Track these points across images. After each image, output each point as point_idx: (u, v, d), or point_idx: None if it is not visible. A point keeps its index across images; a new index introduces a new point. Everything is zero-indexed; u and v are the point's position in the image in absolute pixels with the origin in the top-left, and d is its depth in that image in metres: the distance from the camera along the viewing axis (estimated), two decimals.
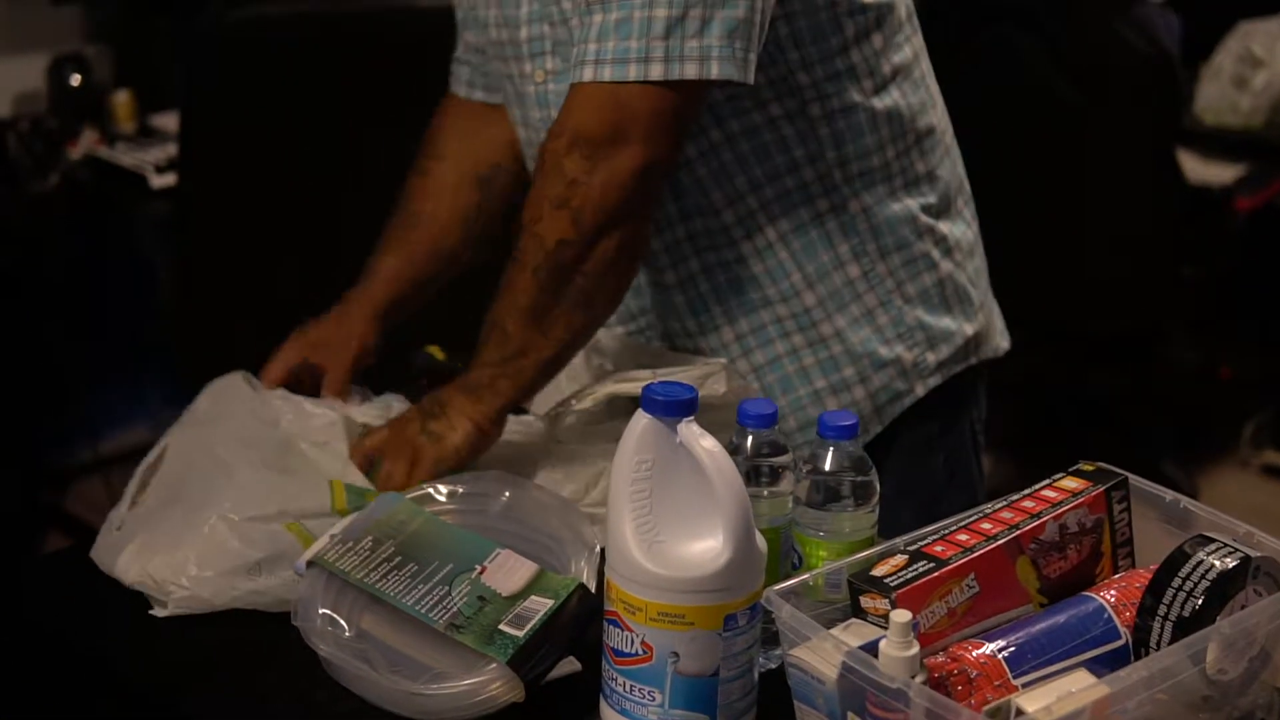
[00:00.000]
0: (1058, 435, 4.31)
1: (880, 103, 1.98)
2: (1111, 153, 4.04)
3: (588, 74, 1.79)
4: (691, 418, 1.49)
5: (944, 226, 2.07)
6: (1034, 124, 3.99)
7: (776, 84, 1.92)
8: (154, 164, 3.73)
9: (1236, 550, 1.46)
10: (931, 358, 2.06)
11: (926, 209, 2.05)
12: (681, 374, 1.85)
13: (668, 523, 1.49)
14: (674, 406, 1.49)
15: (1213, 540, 1.48)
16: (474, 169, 2.23)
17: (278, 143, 3.20)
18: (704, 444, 1.48)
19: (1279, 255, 4.58)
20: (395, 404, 2.01)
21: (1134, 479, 1.62)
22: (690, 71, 1.76)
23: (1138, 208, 4.09)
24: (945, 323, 2.07)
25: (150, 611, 1.74)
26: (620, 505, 1.50)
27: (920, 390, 2.06)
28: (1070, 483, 1.61)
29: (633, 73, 1.76)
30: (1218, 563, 1.45)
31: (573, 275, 1.81)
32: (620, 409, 1.94)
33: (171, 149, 3.76)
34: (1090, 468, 1.63)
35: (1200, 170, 4.27)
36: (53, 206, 3.76)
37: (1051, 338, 4.27)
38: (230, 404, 1.97)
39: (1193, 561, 1.46)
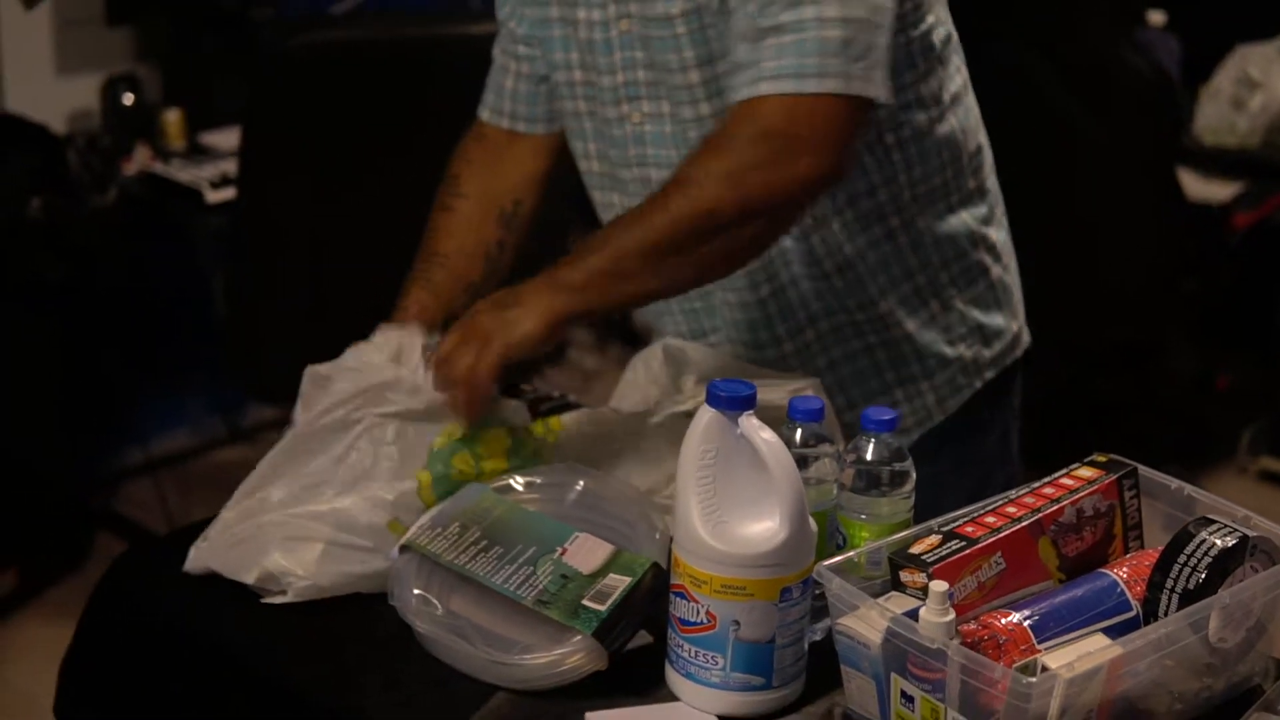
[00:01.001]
0: (1062, 440, 4.41)
1: (942, 128, 2.17)
2: (1114, 169, 4.16)
3: (766, 88, 1.92)
4: (751, 411, 1.68)
5: (992, 233, 2.27)
6: (1040, 141, 4.05)
7: None
8: (209, 179, 3.90)
9: (1236, 530, 1.64)
10: (986, 354, 2.27)
11: (978, 219, 2.24)
12: (775, 388, 1.98)
13: (730, 505, 1.67)
14: (735, 401, 1.68)
15: (1214, 521, 1.66)
16: (497, 205, 2.33)
17: (336, 161, 3.35)
18: (762, 435, 1.67)
19: (1275, 269, 4.71)
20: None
21: (1143, 469, 1.81)
22: (858, 88, 1.92)
23: (1140, 223, 4.20)
24: (997, 321, 2.28)
25: (264, 600, 1.88)
26: (687, 490, 1.68)
27: (977, 384, 2.26)
28: (1086, 471, 1.79)
29: (812, 86, 1.91)
30: (1219, 541, 1.63)
31: (709, 240, 1.93)
32: None
33: (223, 165, 3.94)
34: (1103, 459, 1.81)
35: (1199, 188, 4.38)
36: (111, 220, 3.93)
37: (1055, 347, 4.38)
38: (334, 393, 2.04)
39: (1196, 540, 1.64)
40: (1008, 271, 2.31)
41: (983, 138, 2.27)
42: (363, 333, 2.12)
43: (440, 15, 4.59)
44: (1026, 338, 2.37)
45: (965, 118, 2.22)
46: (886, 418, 1.79)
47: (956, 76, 2.21)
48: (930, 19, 2.11)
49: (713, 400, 1.68)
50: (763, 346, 2.24)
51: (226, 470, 3.73)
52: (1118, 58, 4.06)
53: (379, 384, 2.00)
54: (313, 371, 2.05)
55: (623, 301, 2.03)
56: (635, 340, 5.36)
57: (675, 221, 1.92)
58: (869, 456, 1.78)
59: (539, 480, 1.97)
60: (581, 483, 1.96)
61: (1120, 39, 4.12)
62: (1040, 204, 4.21)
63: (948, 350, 2.24)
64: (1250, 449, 4.72)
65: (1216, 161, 4.53)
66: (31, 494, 4.05)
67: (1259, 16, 4.69)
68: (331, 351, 2.09)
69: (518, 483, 1.96)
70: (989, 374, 2.28)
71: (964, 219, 2.23)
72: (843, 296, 2.20)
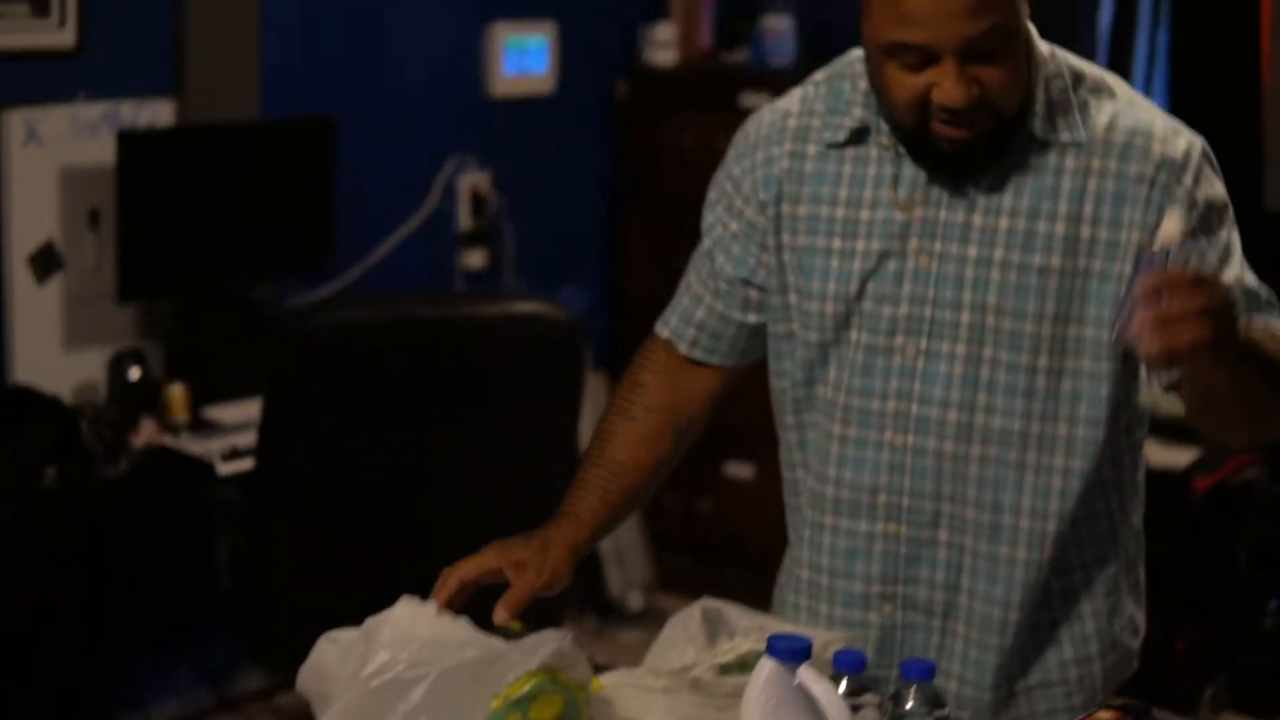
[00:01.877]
0: None
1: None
2: None
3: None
4: (809, 662, 1.84)
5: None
6: None
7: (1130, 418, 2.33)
8: (219, 452, 4.06)
9: None
10: (1136, 644, 2.42)
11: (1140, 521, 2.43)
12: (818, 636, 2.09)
13: None
14: (794, 653, 1.84)
15: None
16: (674, 420, 2.44)
17: (352, 437, 3.49)
18: (820, 686, 1.82)
19: (1233, 531, 4.90)
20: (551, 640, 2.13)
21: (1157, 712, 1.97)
22: None
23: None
24: (1140, 613, 2.44)
25: None
26: None
27: (1129, 672, 2.40)
28: (1104, 715, 1.96)
29: None
30: None
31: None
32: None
33: (231, 439, 4.11)
34: (1119, 702, 1.98)
35: (1160, 454, 4.57)
36: (123, 490, 4.07)
37: None
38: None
39: None
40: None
41: None
42: (367, 604, 2.15)
43: (450, 296, 4.84)
44: None
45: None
46: (926, 666, 1.94)
47: None
48: None
49: (773, 652, 1.84)
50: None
51: None
52: None
53: (432, 639, 2.09)
54: (335, 636, 2.12)
55: (1220, 390, 2.09)
56: (610, 611, 5.52)
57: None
58: (909, 704, 1.93)
59: None
60: None
61: None
62: None
63: (1122, 636, 2.38)
64: (1212, 705, 4.83)
65: (1173, 429, 4.70)
66: None
67: None
68: (336, 620, 2.13)
69: None
70: (1135, 664, 2.42)
71: (1141, 513, 2.42)
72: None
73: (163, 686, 4.68)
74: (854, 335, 2.29)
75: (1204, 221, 2.21)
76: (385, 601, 2.18)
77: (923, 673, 1.94)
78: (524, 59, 5.62)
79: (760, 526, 5.51)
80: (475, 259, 5.55)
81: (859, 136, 2.30)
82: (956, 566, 2.29)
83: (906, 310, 2.25)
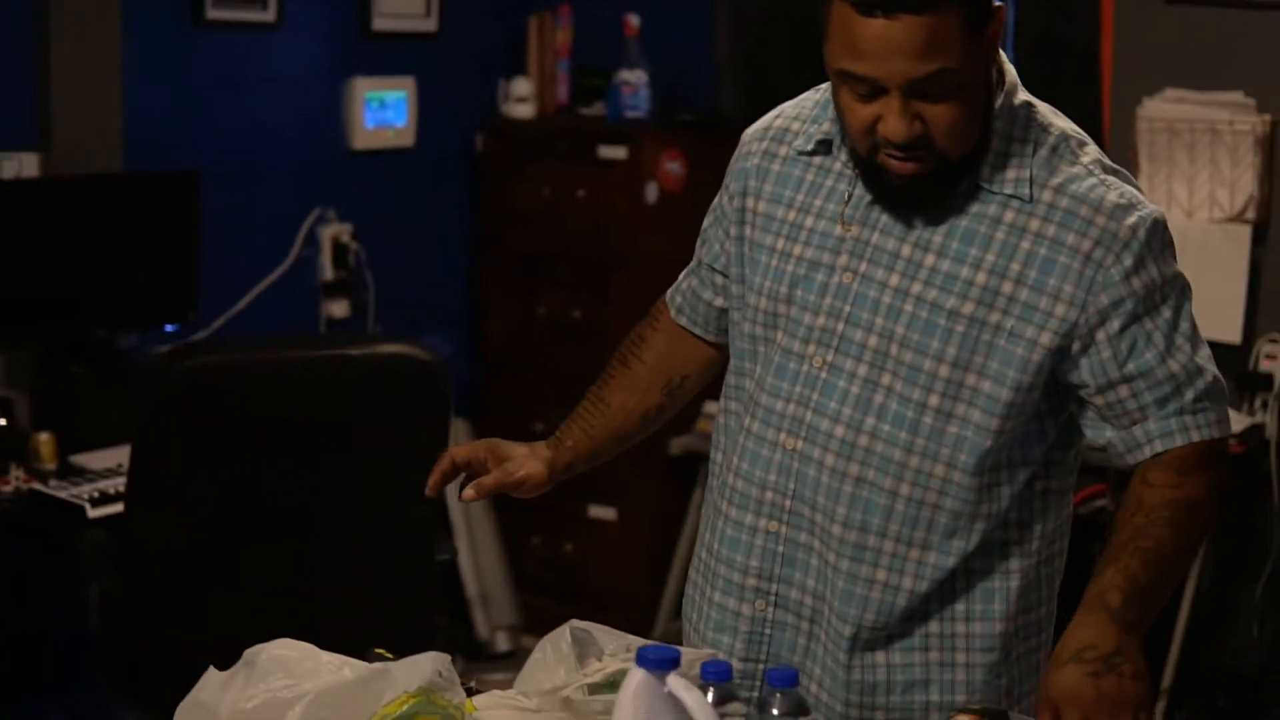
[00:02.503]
0: None
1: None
2: None
3: (1199, 435, 2.28)
4: (678, 670, 1.92)
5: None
6: None
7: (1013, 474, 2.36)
8: (88, 496, 4.08)
9: None
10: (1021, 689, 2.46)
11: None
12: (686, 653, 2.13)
13: None
14: (663, 662, 1.92)
15: None
16: (667, 376, 2.62)
17: (219, 478, 3.52)
18: (688, 694, 1.90)
19: (1082, 557, 5.04)
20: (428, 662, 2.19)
21: (1011, 713, 2.07)
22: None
23: None
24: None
25: None
26: None
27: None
28: (963, 718, 2.05)
29: (1219, 431, 2.30)
30: None
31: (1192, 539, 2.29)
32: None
33: (99, 484, 4.13)
34: (976, 707, 2.08)
35: None
36: None
37: None
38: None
39: None
40: None
41: None
42: (238, 644, 2.20)
43: (317, 338, 4.89)
44: None
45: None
46: (790, 674, 2.03)
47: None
48: None
49: (642, 661, 1.92)
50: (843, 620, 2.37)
51: None
52: None
53: (311, 666, 2.15)
54: (216, 674, 2.17)
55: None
56: (477, 652, 5.57)
57: (1192, 544, 2.31)
58: (774, 711, 2.02)
59: None
60: None
61: None
62: None
63: (991, 682, 2.41)
64: None
65: None
66: None
67: None
68: (206, 661, 2.18)
69: None
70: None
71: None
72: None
73: None
74: (778, 336, 2.38)
75: (1146, 302, 2.24)
76: (257, 641, 2.21)
77: (786, 680, 2.02)
78: (384, 113, 5.69)
79: (624, 568, 5.61)
80: (338, 309, 5.61)
81: (825, 148, 2.39)
82: (822, 577, 2.36)
83: (823, 322, 2.32)
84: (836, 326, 2.32)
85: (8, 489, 4.17)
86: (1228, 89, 5.14)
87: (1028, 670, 2.42)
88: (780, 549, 2.38)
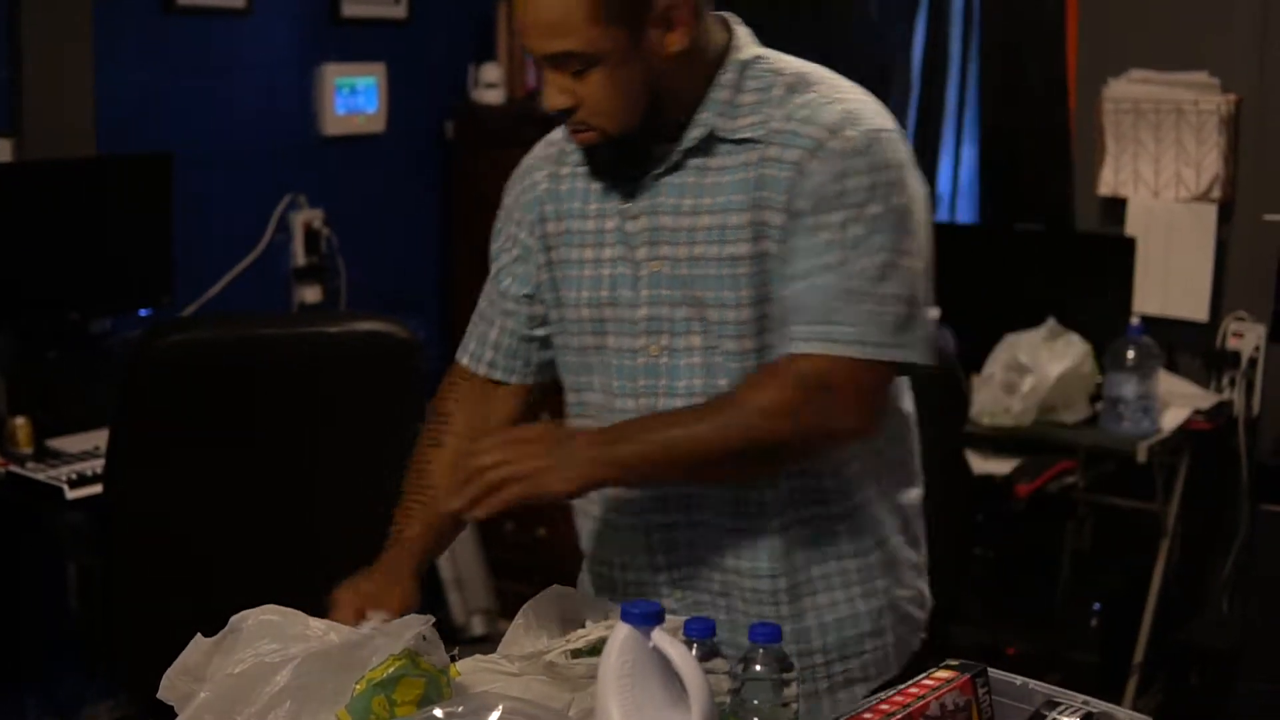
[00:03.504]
0: None
1: (903, 406, 2.50)
2: None
3: (839, 350, 2.23)
4: (661, 626, 1.94)
5: (919, 519, 2.59)
6: None
7: None
8: (66, 478, 4.09)
9: (1080, 709, 1.94)
10: (922, 616, 2.55)
11: (917, 496, 2.57)
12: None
13: (648, 710, 1.92)
14: (648, 617, 1.94)
15: (1060, 703, 1.95)
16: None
17: (198, 455, 3.51)
18: (674, 646, 1.93)
19: (1056, 536, 5.09)
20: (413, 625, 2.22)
21: (991, 670, 2.10)
22: (909, 356, 2.27)
23: (934, 499, 4.50)
24: (925, 587, 2.57)
25: None
26: (608, 697, 1.93)
27: (917, 644, 2.54)
28: (942, 673, 2.07)
29: (871, 353, 2.24)
30: (1068, 718, 1.92)
31: (748, 462, 2.26)
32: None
33: (76, 466, 4.14)
34: (956, 663, 2.10)
35: (981, 465, 4.74)
36: None
37: None
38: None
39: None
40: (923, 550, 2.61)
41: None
42: (218, 624, 2.19)
43: (295, 316, 4.90)
44: None
45: (910, 406, 2.55)
46: (773, 630, 2.05)
47: None
48: None
49: (626, 617, 1.94)
50: (757, 574, 2.44)
51: None
52: None
53: (298, 631, 2.18)
54: (204, 641, 2.17)
55: (651, 484, 2.31)
56: (452, 637, 5.58)
57: (726, 440, 2.22)
58: (759, 666, 2.04)
59: (461, 709, 2.12)
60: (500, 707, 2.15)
61: None
62: None
63: (908, 608, 2.52)
64: None
65: (993, 442, 4.88)
66: None
67: (1022, 309, 5.09)
68: (186, 640, 2.16)
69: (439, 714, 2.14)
70: (922, 635, 2.56)
71: (913, 494, 2.55)
72: (852, 541, 2.45)
73: (10, 718, 4.67)
74: (608, 340, 2.44)
75: (816, 206, 2.28)
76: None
77: (770, 635, 2.05)
78: (355, 99, 5.70)
79: None
80: (310, 294, 5.62)
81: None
82: (718, 546, 2.43)
83: (645, 312, 2.39)
84: (660, 312, 2.38)
85: None
86: (1192, 69, 5.18)
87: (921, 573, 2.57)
88: (676, 535, 2.45)
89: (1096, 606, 5.04)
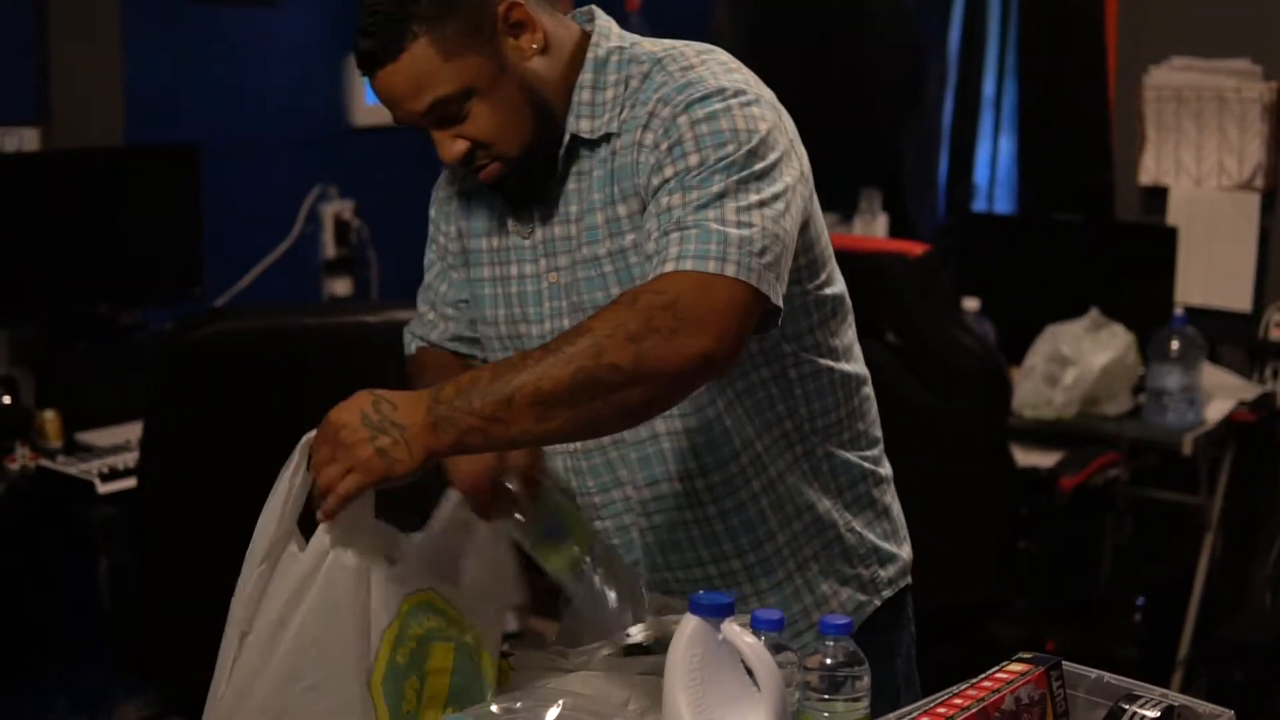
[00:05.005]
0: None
1: (836, 373, 2.42)
2: (952, 441, 4.40)
3: (670, 266, 2.08)
4: (732, 618, 1.88)
5: (882, 470, 2.53)
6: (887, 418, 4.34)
7: (767, 352, 2.35)
8: (97, 472, 4.04)
9: (1160, 701, 1.87)
10: (883, 574, 2.50)
11: (869, 458, 2.50)
12: None
13: (717, 704, 1.87)
14: (717, 609, 1.88)
15: (1140, 696, 1.89)
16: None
17: (233, 447, 3.46)
18: (745, 639, 1.87)
19: (1099, 529, 5.02)
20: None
21: (1065, 663, 2.04)
22: (755, 281, 2.08)
23: (979, 490, 4.45)
24: (889, 546, 2.52)
25: None
26: (676, 691, 1.87)
27: (878, 601, 2.49)
28: (1016, 666, 2.01)
29: (714, 268, 2.06)
30: (1149, 713, 1.86)
31: (600, 396, 2.02)
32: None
33: (108, 460, 4.10)
34: (1029, 655, 2.04)
35: (1023, 458, 4.68)
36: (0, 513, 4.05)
37: None
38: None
39: (1127, 714, 1.86)
40: (894, 504, 2.57)
41: (869, 390, 2.53)
42: None
43: (332, 306, 4.84)
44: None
45: (856, 368, 2.48)
46: (843, 623, 1.99)
47: (849, 331, 2.47)
48: (823, 276, 2.38)
49: (696, 609, 1.88)
50: (688, 566, 2.43)
51: None
52: (951, 338, 4.32)
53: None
54: None
55: (503, 444, 2.09)
56: None
57: (571, 372, 2.00)
58: (828, 660, 1.98)
59: (518, 705, 2.06)
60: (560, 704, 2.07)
61: (950, 321, 4.39)
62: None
63: (848, 570, 2.47)
64: None
65: (1035, 435, 4.83)
66: None
67: (1063, 300, 5.03)
68: (218, 634, 2.12)
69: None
70: (886, 593, 2.51)
71: (855, 455, 2.48)
72: (766, 522, 2.41)
73: (40, 717, 4.63)
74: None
75: (671, 150, 2.19)
76: None
77: (841, 629, 1.99)
78: None
79: None
80: (340, 286, 5.56)
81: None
82: (707, 537, 2.41)
83: (550, 326, 2.37)
84: (562, 324, 2.35)
85: (14, 466, 4.12)
86: (1234, 56, 5.12)
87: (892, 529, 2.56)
88: (615, 540, 2.44)
89: (1139, 601, 5.00)
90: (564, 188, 2.33)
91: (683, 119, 2.19)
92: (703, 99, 2.20)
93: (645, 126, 2.24)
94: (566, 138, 2.30)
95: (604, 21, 2.39)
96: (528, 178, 2.31)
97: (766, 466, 2.40)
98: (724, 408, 2.35)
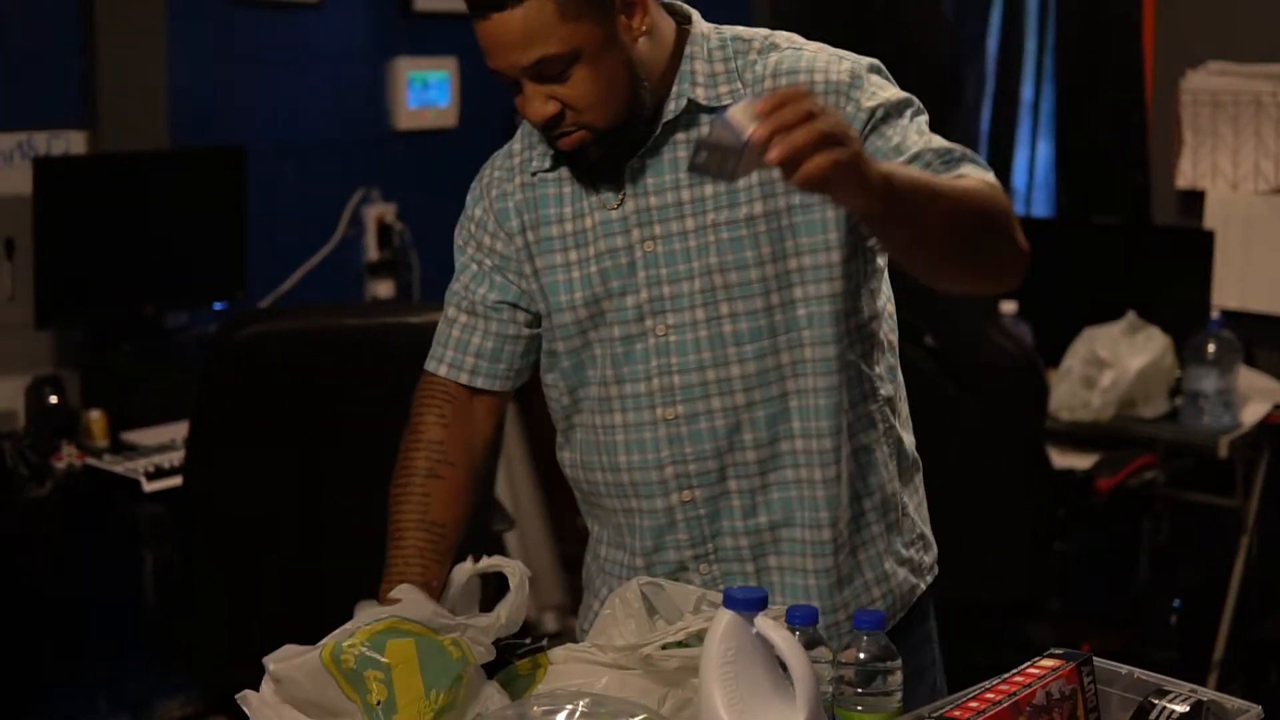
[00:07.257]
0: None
1: (894, 345, 2.50)
2: (989, 442, 4.43)
3: (978, 172, 2.24)
4: (765, 611, 1.91)
5: (918, 457, 2.57)
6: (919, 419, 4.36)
7: (861, 328, 2.41)
8: (143, 470, 4.09)
9: (1189, 696, 1.90)
10: (926, 560, 2.54)
11: (912, 444, 2.55)
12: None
13: (751, 697, 1.90)
14: (751, 603, 1.92)
15: (1169, 691, 1.92)
16: (473, 465, 2.53)
17: (280, 447, 3.53)
18: (779, 632, 1.90)
19: (1132, 531, 5.03)
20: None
21: (1096, 659, 2.07)
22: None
23: (1015, 491, 4.48)
24: (929, 534, 2.57)
25: None
26: (711, 684, 1.91)
27: (923, 586, 2.52)
28: (1047, 662, 2.04)
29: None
30: (1178, 707, 1.89)
31: (988, 226, 2.17)
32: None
33: (154, 459, 4.15)
34: (1060, 651, 2.07)
35: (1060, 460, 4.70)
36: (47, 511, 4.10)
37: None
38: None
39: (1157, 709, 1.89)
40: (924, 501, 2.60)
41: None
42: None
43: (376, 306, 4.89)
44: None
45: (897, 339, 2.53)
46: (875, 617, 2.03)
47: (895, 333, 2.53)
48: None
49: (730, 603, 1.92)
50: (793, 526, 2.44)
51: None
52: (988, 340, 4.35)
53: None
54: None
55: (901, 226, 2.11)
56: (525, 632, 5.56)
57: (974, 197, 2.15)
58: (862, 654, 2.02)
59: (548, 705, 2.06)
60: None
61: (987, 323, 4.42)
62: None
63: (905, 551, 2.50)
64: None
65: (1072, 437, 4.85)
66: None
67: (1100, 303, 5.05)
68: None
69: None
70: (930, 578, 2.55)
71: (909, 436, 2.53)
72: (857, 492, 2.44)
73: (81, 715, 4.69)
74: (610, 330, 2.42)
75: (883, 120, 2.31)
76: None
77: (875, 623, 2.02)
78: (427, 93, 5.69)
79: None
80: (383, 289, 5.60)
81: (559, 159, 2.43)
82: (752, 508, 2.42)
83: (645, 295, 2.39)
84: (661, 291, 2.38)
85: (61, 465, 4.18)
86: (1271, 61, 5.13)
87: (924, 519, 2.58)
88: (701, 511, 2.43)
89: (1176, 603, 5.00)
90: (657, 159, 2.37)
91: (876, 95, 2.32)
92: (869, 70, 2.35)
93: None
94: (683, 103, 2.34)
95: (694, 11, 2.45)
96: (607, 153, 2.34)
97: (856, 435, 2.42)
98: (833, 384, 2.38)
